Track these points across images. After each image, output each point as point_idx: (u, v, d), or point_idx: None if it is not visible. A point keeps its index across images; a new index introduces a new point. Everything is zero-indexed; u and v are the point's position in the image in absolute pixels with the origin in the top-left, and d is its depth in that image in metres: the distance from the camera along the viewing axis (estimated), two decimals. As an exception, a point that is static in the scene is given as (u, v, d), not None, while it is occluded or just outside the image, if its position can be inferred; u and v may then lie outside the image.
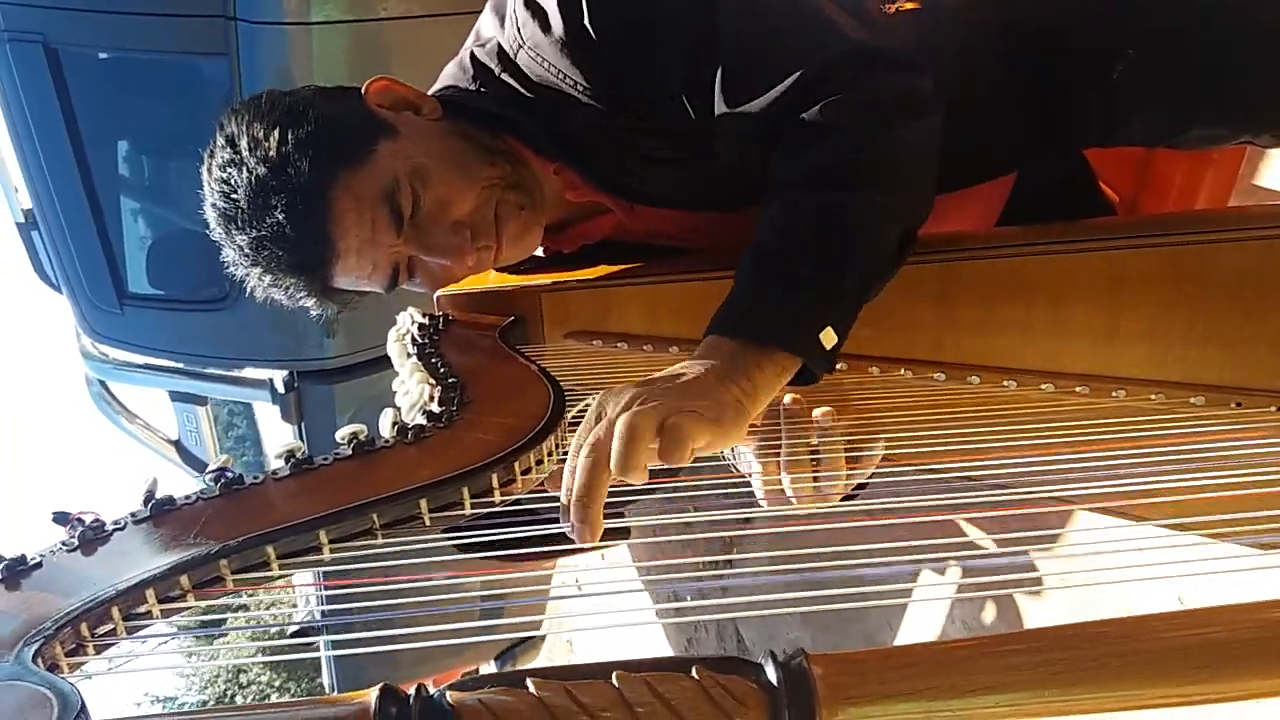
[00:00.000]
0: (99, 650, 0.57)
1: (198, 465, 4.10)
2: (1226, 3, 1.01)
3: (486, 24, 1.04)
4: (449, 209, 0.97)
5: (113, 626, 0.58)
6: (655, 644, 4.48)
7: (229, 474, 0.71)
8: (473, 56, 1.03)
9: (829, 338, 0.78)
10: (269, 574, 0.65)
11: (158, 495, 0.69)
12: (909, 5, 1.03)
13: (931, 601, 2.84)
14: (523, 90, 0.99)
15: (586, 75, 0.94)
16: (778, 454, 0.86)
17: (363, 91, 1.01)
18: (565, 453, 0.75)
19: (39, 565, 0.61)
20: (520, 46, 0.97)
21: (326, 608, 0.74)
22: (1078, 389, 0.89)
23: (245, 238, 0.93)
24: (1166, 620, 0.43)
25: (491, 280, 1.17)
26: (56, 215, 3.08)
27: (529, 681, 0.43)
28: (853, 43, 0.89)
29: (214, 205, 0.94)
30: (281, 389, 3.35)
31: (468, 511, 0.72)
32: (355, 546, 0.68)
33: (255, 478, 0.72)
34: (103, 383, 3.96)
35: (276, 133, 0.91)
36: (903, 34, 1.01)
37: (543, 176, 1.04)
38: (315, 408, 3.35)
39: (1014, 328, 0.93)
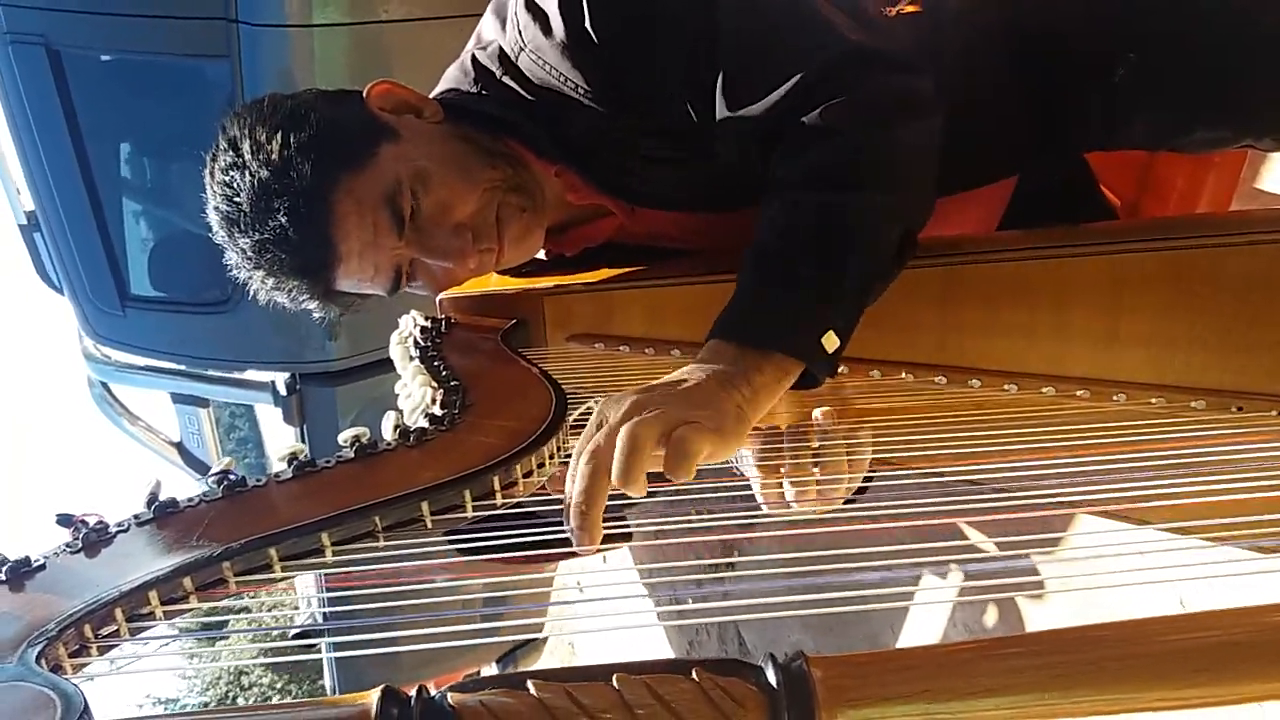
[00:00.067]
0: (102, 652, 0.57)
1: (200, 467, 4.10)
2: (1228, 5, 1.01)
3: (488, 27, 1.04)
4: (450, 211, 0.97)
5: (116, 628, 0.58)
6: (657, 647, 4.48)
7: (232, 476, 0.72)
8: (474, 59, 1.03)
9: (831, 341, 0.78)
10: (272, 576, 0.65)
11: (161, 497, 0.69)
12: (910, 8, 1.03)
13: (933, 605, 2.84)
14: (524, 93, 0.99)
15: (587, 77, 0.94)
16: (778, 458, 0.86)
17: (364, 95, 1.01)
18: (567, 456, 0.75)
19: (42, 567, 0.61)
20: (521, 49, 0.97)
21: (329, 609, 0.74)
22: (1078, 393, 0.89)
23: (248, 241, 0.93)
24: (1165, 623, 0.43)
25: (493, 283, 1.17)
26: (59, 217, 3.08)
27: (530, 683, 0.43)
28: (852, 44, 0.90)
29: (216, 208, 0.95)
30: (284, 391, 3.35)
31: (469, 514, 0.72)
32: (358, 549, 0.68)
33: (258, 480, 0.73)
34: (105, 385, 3.97)
35: (279, 136, 0.91)
36: (903, 36, 1.01)
37: (544, 179, 1.04)
38: (317, 410, 3.35)
39: (1016, 331, 0.93)
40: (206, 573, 0.63)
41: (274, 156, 0.91)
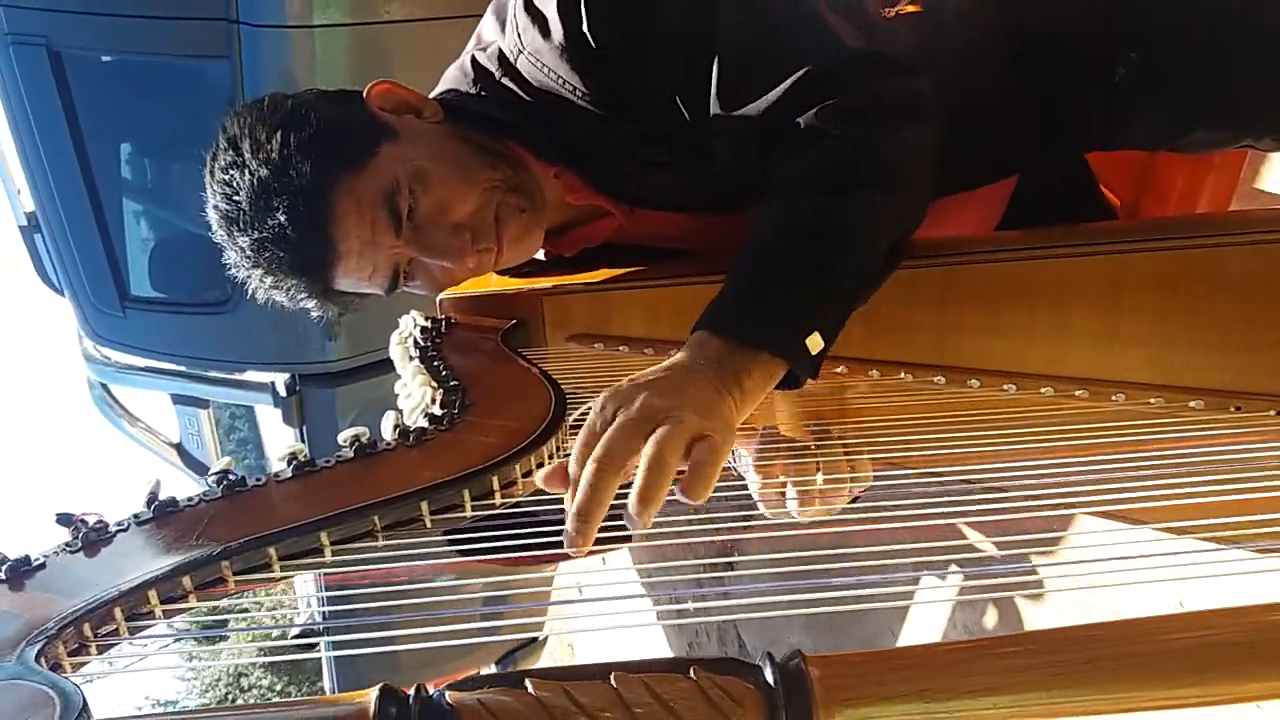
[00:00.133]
0: (101, 651, 0.57)
1: (199, 468, 4.10)
2: (1229, 5, 1.01)
3: (488, 28, 1.04)
4: (449, 211, 0.97)
5: (115, 627, 0.58)
6: (657, 648, 4.48)
7: (231, 476, 0.72)
8: (474, 60, 1.04)
9: (815, 343, 0.77)
10: (271, 575, 0.65)
11: (160, 497, 0.69)
12: (911, 8, 1.03)
13: (932, 605, 2.84)
14: (523, 95, 0.99)
15: (585, 81, 0.94)
16: (777, 462, 0.86)
17: (364, 94, 1.01)
18: (566, 455, 0.75)
19: (42, 566, 0.61)
20: (520, 51, 0.97)
21: (328, 609, 0.74)
22: (1077, 393, 0.89)
23: (247, 239, 0.93)
24: (1161, 623, 0.43)
25: (493, 284, 1.17)
26: (59, 218, 3.08)
27: (528, 682, 0.43)
28: (849, 47, 0.90)
29: (216, 207, 0.95)
30: (283, 392, 3.35)
31: (469, 514, 0.72)
32: (357, 548, 0.68)
33: (257, 480, 0.73)
34: (105, 386, 3.97)
35: (279, 135, 0.92)
36: (904, 37, 1.01)
37: (543, 180, 1.04)
38: (317, 411, 3.35)
39: (1015, 331, 0.93)
40: (205, 572, 0.63)
41: (274, 155, 0.91)
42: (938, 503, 0.69)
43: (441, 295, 1.13)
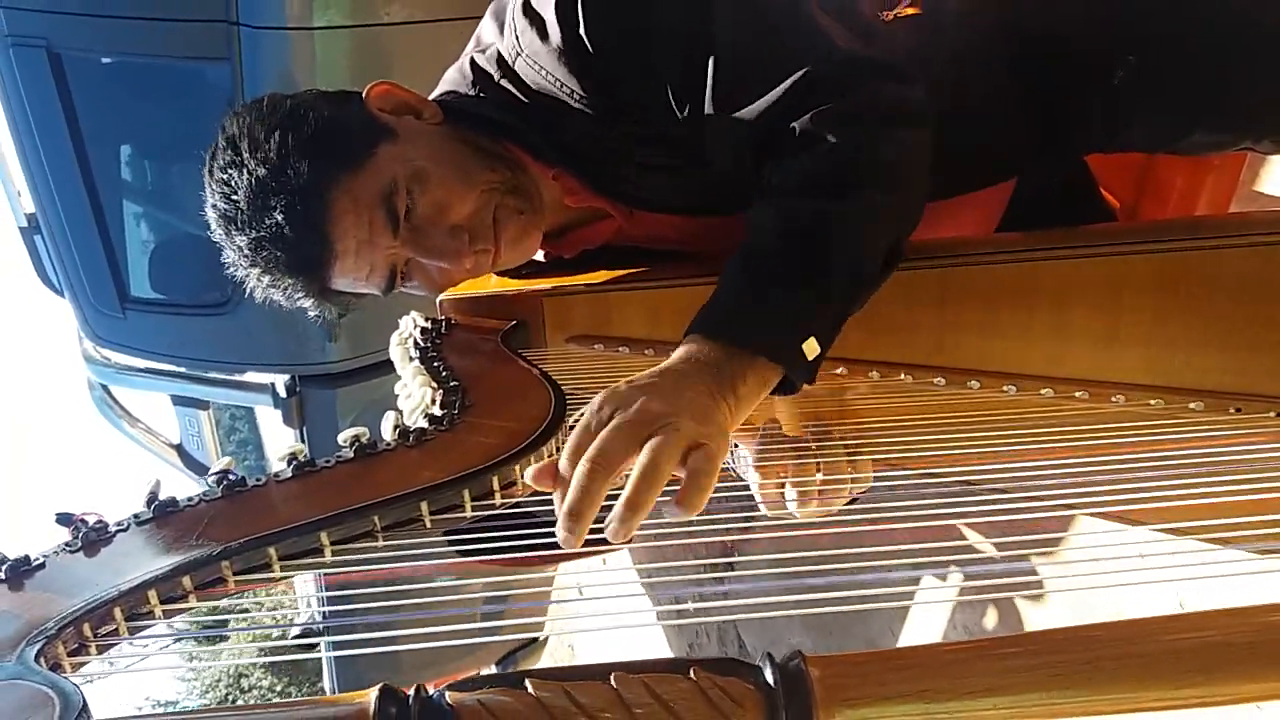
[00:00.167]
0: (101, 651, 0.57)
1: (199, 469, 4.10)
2: (1229, 6, 1.01)
3: (487, 30, 1.04)
4: (447, 212, 0.97)
5: (115, 627, 0.58)
6: (657, 648, 4.48)
7: (231, 476, 0.72)
8: (473, 62, 1.04)
9: (811, 348, 0.77)
10: (270, 575, 0.65)
11: (160, 497, 0.69)
12: (909, 11, 1.03)
13: (933, 606, 2.84)
14: (521, 97, 0.99)
15: (582, 83, 0.94)
16: (777, 462, 0.86)
17: (364, 95, 1.02)
18: None
19: (42, 566, 0.62)
20: (518, 54, 0.97)
21: (328, 609, 0.74)
22: (1077, 394, 0.89)
23: (244, 238, 0.93)
24: (1161, 624, 0.43)
25: (493, 285, 1.17)
26: (59, 219, 3.09)
27: (528, 682, 0.43)
28: (844, 52, 0.90)
29: (215, 206, 0.95)
30: (284, 393, 3.35)
31: (469, 514, 0.72)
32: (357, 549, 0.68)
33: (258, 480, 0.73)
34: (105, 387, 3.97)
35: (277, 135, 0.92)
36: (901, 40, 1.01)
37: (542, 182, 1.04)
38: (317, 412, 3.35)
39: (1015, 332, 0.93)
40: (205, 572, 0.63)
41: (271, 155, 0.91)
42: (937, 503, 0.69)
43: (442, 296, 1.13)
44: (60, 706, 0.44)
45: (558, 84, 0.95)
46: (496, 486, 0.73)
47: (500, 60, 1.00)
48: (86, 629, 0.56)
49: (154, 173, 3.29)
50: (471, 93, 1.03)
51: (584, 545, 0.64)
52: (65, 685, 0.46)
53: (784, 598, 0.57)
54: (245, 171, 0.91)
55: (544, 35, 0.94)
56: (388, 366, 1.04)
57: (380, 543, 0.68)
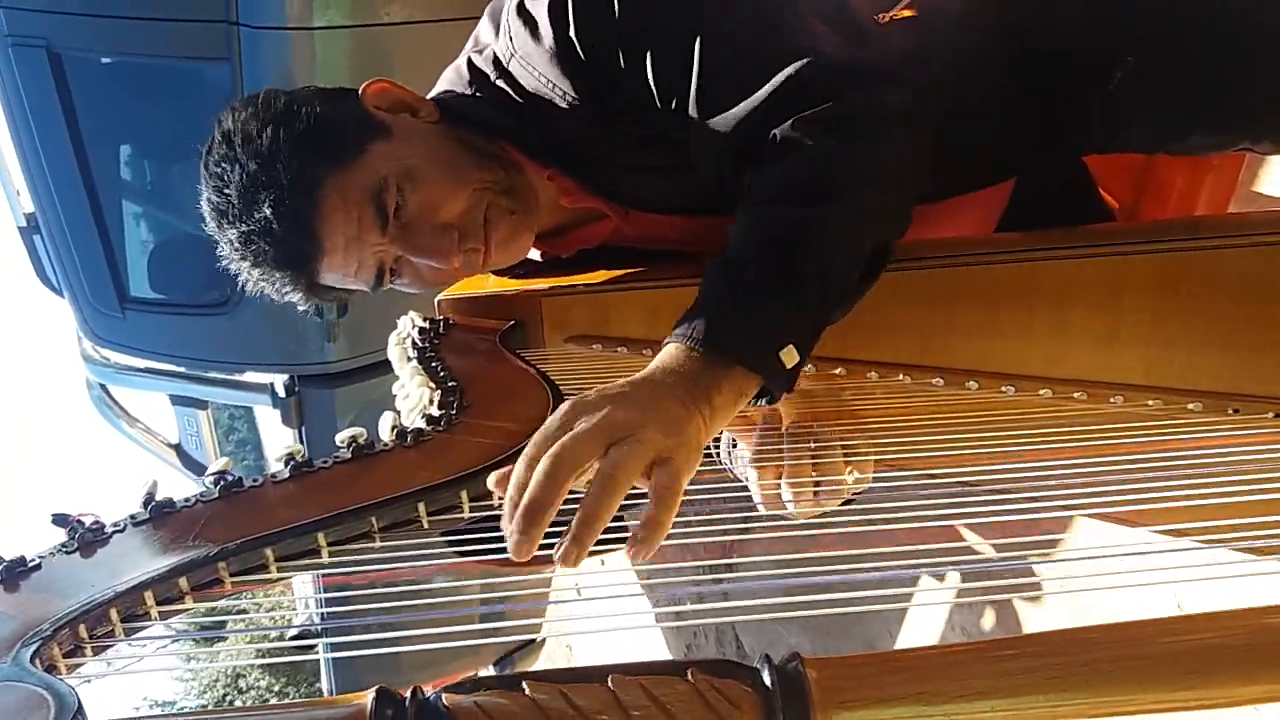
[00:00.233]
0: (97, 652, 0.57)
1: (198, 469, 4.10)
2: (1229, 6, 1.01)
3: (484, 31, 1.04)
4: (438, 210, 0.97)
5: (111, 628, 0.58)
6: (655, 650, 4.48)
7: (229, 477, 0.72)
8: (470, 62, 1.04)
9: (790, 356, 0.76)
10: (268, 576, 0.65)
11: (157, 498, 0.69)
12: (905, 13, 1.02)
13: (931, 607, 2.84)
14: (516, 97, 0.99)
15: (575, 86, 0.94)
16: (775, 460, 0.86)
17: (360, 93, 1.02)
18: None
19: (38, 567, 0.61)
20: (513, 55, 0.97)
21: (326, 610, 0.74)
22: (1076, 395, 0.89)
23: (235, 232, 0.94)
24: (1159, 626, 0.43)
25: (491, 285, 1.17)
26: (58, 219, 3.09)
27: (525, 684, 0.43)
28: (829, 57, 0.89)
29: (208, 200, 0.96)
30: (282, 393, 3.35)
31: (466, 515, 0.72)
32: (354, 549, 0.68)
33: (255, 480, 0.73)
34: (104, 386, 3.97)
35: (270, 130, 0.92)
36: (897, 42, 1.01)
37: (537, 182, 1.04)
38: (316, 412, 3.35)
39: (1014, 332, 0.93)
40: (202, 573, 0.63)
41: (263, 150, 0.92)
42: (936, 504, 0.69)
43: (440, 296, 1.13)
44: (55, 708, 0.44)
45: (551, 85, 0.96)
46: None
47: (496, 61, 1.00)
48: (82, 630, 0.56)
49: (153, 173, 3.29)
50: (468, 93, 1.03)
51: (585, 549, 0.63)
52: (60, 686, 0.46)
53: (782, 599, 0.57)
54: (237, 165, 0.92)
55: (537, 37, 0.94)
56: (386, 366, 1.04)
57: (378, 544, 0.68)
